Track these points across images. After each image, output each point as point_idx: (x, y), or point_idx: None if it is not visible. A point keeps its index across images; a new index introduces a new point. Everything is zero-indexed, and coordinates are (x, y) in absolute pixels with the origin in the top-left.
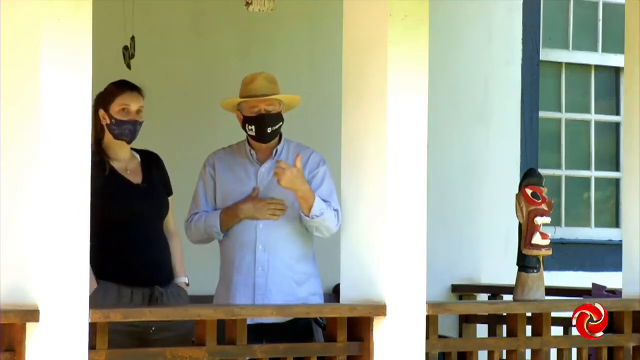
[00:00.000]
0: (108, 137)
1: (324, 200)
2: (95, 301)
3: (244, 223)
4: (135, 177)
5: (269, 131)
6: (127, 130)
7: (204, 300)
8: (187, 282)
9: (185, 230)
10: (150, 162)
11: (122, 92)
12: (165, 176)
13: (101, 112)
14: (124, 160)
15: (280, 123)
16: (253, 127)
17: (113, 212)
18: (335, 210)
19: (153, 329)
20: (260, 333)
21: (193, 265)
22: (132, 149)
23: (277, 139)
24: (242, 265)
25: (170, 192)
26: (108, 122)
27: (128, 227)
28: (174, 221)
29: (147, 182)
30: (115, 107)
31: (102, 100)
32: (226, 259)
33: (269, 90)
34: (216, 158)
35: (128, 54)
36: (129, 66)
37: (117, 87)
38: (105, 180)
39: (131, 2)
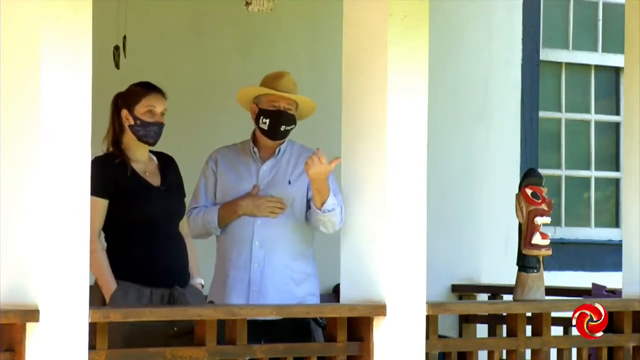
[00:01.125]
0: (128, 138)
1: None
2: (116, 301)
3: (242, 219)
4: (154, 179)
5: (282, 129)
6: (153, 132)
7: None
8: (202, 283)
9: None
10: (167, 164)
11: (148, 94)
12: (180, 179)
13: (124, 112)
14: (143, 162)
15: (293, 126)
16: (268, 121)
17: (134, 214)
18: (340, 206)
19: (175, 329)
20: (257, 329)
21: None
22: (149, 151)
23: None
24: (238, 261)
25: (184, 195)
26: (132, 123)
27: (148, 228)
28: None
29: (165, 185)
30: (141, 109)
31: (125, 101)
32: (223, 254)
33: (293, 92)
34: (219, 155)
35: (118, 53)
36: (117, 66)
37: (144, 88)
38: (127, 182)
39: (126, 2)
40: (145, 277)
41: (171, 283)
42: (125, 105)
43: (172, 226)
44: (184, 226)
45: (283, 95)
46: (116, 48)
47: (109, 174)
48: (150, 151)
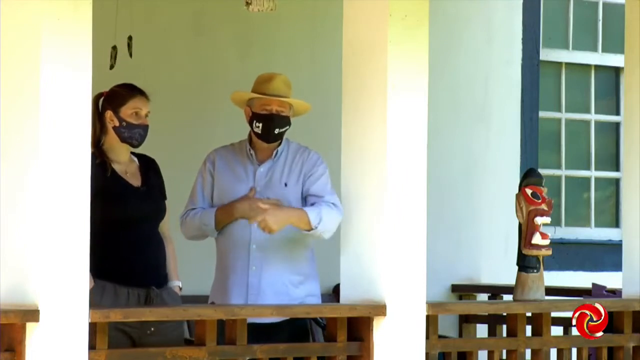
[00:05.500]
0: (110, 139)
1: (319, 196)
2: (93, 300)
3: (239, 222)
4: (135, 180)
5: (275, 132)
6: (138, 134)
7: (201, 300)
8: (180, 286)
9: (180, 226)
10: (148, 166)
11: (134, 96)
12: (161, 181)
13: (109, 113)
14: (124, 163)
15: (287, 127)
16: (260, 124)
17: (113, 214)
18: (333, 204)
19: (152, 329)
20: (257, 331)
21: (189, 265)
22: (130, 152)
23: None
24: (236, 264)
25: (164, 197)
26: (117, 124)
27: (127, 228)
28: (169, 226)
29: (146, 186)
30: (127, 110)
31: (110, 102)
32: (221, 257)
33: (284, 93)
34: (217, 155)
35: (116, 53)
36: (112, 67)
37: (129, 90)
38: (106, 182)
39: (130, 3)
40: (122, 276)
41: (147, 283)
42: (109, 107)
43: (151, 227)
44: (164, 228)
45: (272, 99)
46: (114, 48)
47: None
48: (132, 153)
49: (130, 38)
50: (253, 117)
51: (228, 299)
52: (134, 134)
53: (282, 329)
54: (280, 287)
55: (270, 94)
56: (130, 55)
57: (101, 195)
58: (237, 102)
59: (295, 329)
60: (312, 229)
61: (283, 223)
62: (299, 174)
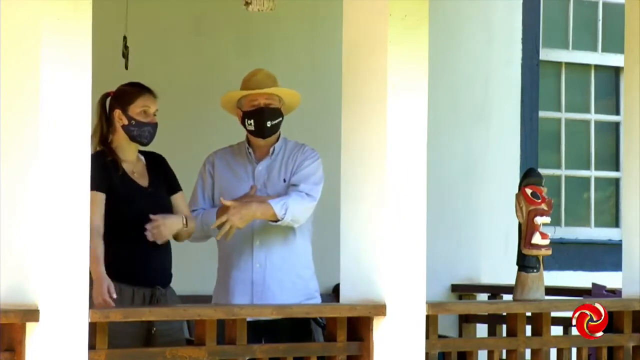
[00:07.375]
0: (119, 138)
1: (296, 185)
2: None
3: None
4: (142, 180)
5: (268, 125)
6: (147, 132)
7: (201, 300)
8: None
9: None
10: (155, 164)
11: (142, 94)
12: (171, 175)
13: (117, 112)
14: (132, 162)
15: (280, 119)
16: (252, 121)
17: (121, 214)
18: (306, 193)
19: (155, 329)
20: (257, 330)
21: (193, 265)
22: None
23: (275, 137)
24: (239, 262)
25: (178, 189)
26: (126, 123)
27: (133, 228)
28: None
29: (153, 186)
30: (136, 109)
31: (118, 101)
32: (224, 257)
33: (269, 85)
34: (216, 157)
35: (127, 53)
36: (126, 66)
37: (138, 89)
38: (118, 181)
39: (127, 2)
40: (128, 276)
41: (153, 283)
42: (118, 105)
43: None
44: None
45: (258, 92)
46: (125, 48)
47: (105, 170)
48: (139, 151)
49: (125, 38)
50: (244, 117)
51: (231, 297)
52: (143, 132)
53: (283, 326)
54: (287, 283)
55: (254, 88)
56: (125, 55)
57: (112, 194)
58: (229, 109)
59: (296, 326)
60: (279, 220)
61: (248, 219)
62: (295, 169)
